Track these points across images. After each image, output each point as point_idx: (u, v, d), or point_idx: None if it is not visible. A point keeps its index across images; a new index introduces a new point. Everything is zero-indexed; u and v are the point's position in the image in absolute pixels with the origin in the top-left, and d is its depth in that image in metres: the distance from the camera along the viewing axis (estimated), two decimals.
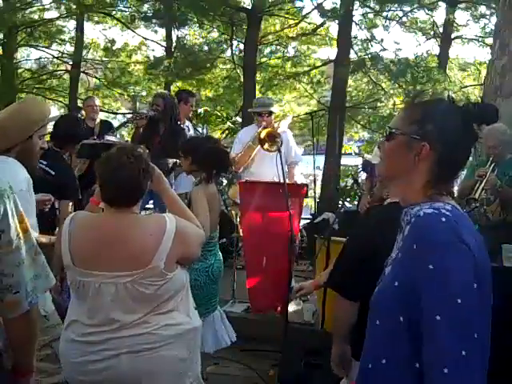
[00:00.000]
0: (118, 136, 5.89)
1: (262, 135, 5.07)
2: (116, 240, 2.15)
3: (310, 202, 8.07)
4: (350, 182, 10.13)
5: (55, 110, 16.32)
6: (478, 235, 1.45)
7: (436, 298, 1.31)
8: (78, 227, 2.22)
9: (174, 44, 13.37)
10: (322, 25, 13.11)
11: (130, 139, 5.79)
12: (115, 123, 6.19)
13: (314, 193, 6.63)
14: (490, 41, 10.63)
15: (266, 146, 5.07)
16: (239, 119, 12.55)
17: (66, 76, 14.29)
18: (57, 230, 3.48)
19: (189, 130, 5.86)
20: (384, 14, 12.18)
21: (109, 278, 2.13)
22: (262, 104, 5.41)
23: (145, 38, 14.38)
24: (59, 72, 14.50)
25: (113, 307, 2.14)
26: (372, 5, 11.83)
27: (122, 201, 2.22)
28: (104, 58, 14.65)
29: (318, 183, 9.58)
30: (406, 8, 12.02)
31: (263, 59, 13.86)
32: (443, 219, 1.37)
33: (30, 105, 2.72)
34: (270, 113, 5.29)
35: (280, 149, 4.75)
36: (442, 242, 1.34)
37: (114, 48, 14.37)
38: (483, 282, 1.39)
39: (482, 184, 4.18)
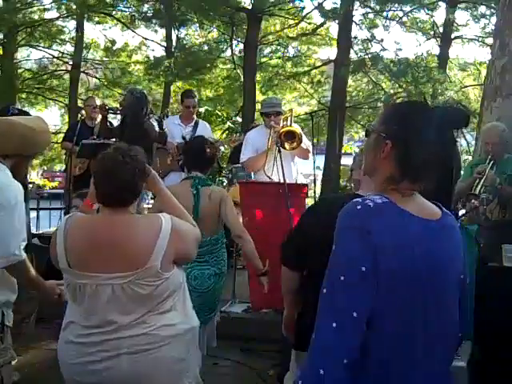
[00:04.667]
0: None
1: (281, 135, 4.99)
2: (112, 241, 2.13)
3: (310, 202, 8.07)
4: None
5: (56, 110, 16.34)
6: (411, 233, 1.45)
7: (327, 273, 1.43)
8: (73, 229, 2.19)
9: (174, 44, 13.38)
10: (322, 25, 13.13)
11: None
12: (115, 123, 6.18)
13: (314, 193, 6.62)
14: (490, 41, 10.63)
15: (287, 146, 5.01)
16: (239, 119, 12.56)
17: (66, 76, 14.31)
18: None
19: (194, 129, 5.81)
20: (384, 13, 12.21)
21: (105, 280, 2.11)
22: (270, 104, 5.40)
23: (145, 38, 14.42)
24: (59, 72, 14.51)
25: (110, 308, 2.12)
26: (372, 5, 11.85)
27: (117, 201, 2.20)
28: (104, 58, 14.67)
29: (318, 183, 9.59)
30: (406, 8, 12.03)
31: (263, 59, 13.87)
32: (359, 207, 1.44)
33: (44, 126, 2.70)
34: (278, 113, 5.26)
35: (280, 148, 4.75)
36: (344, 226, 1.44)
37: (114, 48, 14.39)
38: (398, 275, 1.41)
39: (482, 181, 4.18)
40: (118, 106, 5.86)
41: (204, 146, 3.57)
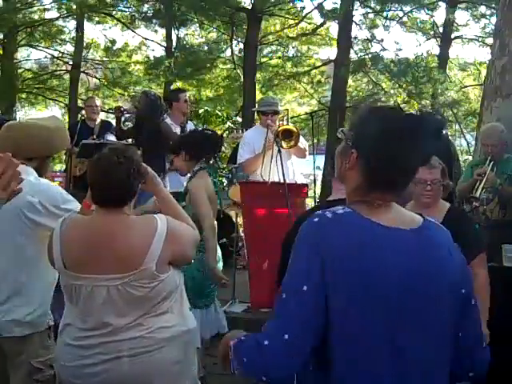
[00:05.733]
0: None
1: (279, 133, 4.96)
2: (107, 242, 2.12)
3: (310, 202, 8.07)
4: None
5: (56, 110, 16.34)
6: (372, 242, 1.37)
7: (285, 279, 1.40)
8: (68, 230, 2.18)
9: (174, 44, 13.37)
10: (322, 25, 13.11)
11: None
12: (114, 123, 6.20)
13: (314, 193, 6.62)
14: (490, 41, 10.63)
15: (285, 145, 5.00)
16: (239, 119, 12.56)
17: (67, 76, 14.29)
18: None
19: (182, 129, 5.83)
20: (384, 13, 12.19)
21: (100, 281, 2.09)
22: (267, 103, 5.34)
23: (145, 38, 14.37)
24: (59, 72, 14.50)
25: (105, 310, 2.11)
26: (372, 5, 11.85)
27: (112, 202, 2.18)
28: (104, 58, 14.65)
29: (318, 183, 9.58)
30: (406, 8, 12.03)
31: (263, 59, 13.87)
32: (316, 219, 1.40)
33: (59, 124, 2.77)
34: (275, 112, 5.22)
35: (280, 149, 4.75)
36: (298, 238, 1.41)
37: (114, 48, 14.37)
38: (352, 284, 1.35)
39: (482, 183, 4.18)
40: (133, 107, 6.01)
41: (204, 135, 3.66)
